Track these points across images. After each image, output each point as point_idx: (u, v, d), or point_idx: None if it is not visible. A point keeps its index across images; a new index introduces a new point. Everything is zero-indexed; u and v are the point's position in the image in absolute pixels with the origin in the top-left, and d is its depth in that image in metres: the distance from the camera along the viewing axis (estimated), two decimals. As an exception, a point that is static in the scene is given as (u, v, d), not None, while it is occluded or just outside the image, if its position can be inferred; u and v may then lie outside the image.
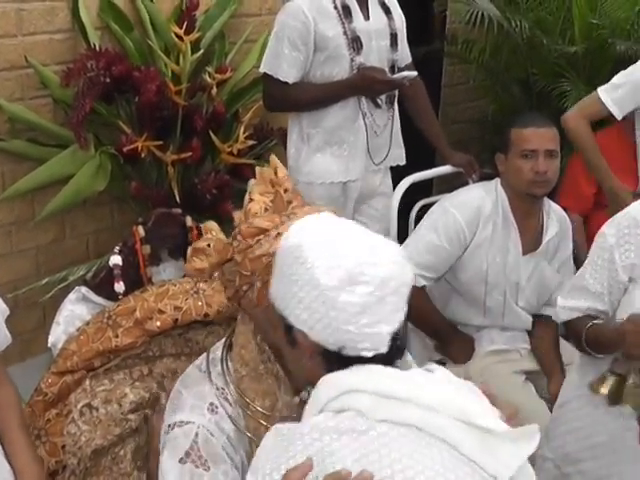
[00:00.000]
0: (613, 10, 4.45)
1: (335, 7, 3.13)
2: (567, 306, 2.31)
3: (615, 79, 3.43)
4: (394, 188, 3.49)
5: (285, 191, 1.65)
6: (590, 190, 3.93)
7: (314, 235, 1.45)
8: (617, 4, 4.45)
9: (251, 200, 1.64)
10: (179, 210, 2.36)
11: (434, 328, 3.12)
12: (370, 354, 1.40)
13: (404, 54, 3.42)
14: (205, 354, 1.80)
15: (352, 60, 3.16)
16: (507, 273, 3.03)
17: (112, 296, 2.21)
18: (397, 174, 3.51)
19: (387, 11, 3.25)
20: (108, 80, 3.36)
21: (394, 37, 3.26)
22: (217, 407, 1.67)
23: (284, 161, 3.78)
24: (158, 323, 1.99)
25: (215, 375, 1.71)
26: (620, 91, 3.38)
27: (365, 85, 3.16)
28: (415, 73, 3.24)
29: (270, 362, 1.68)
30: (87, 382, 1.91)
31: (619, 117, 3.42)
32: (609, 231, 2.24)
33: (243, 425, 1.67)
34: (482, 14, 4.58)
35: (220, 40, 3.94)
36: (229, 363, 1.72)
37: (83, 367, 1.99)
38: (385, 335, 1.40)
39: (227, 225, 3.57)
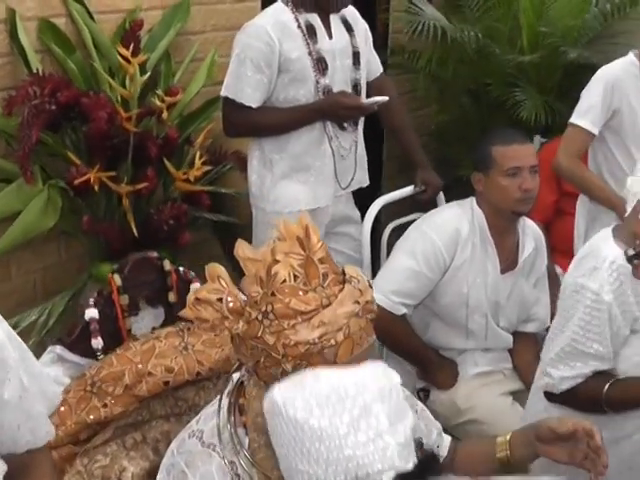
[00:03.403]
0: (560, 18, 4.41)
1: (299, 27, 2.99)
2: (567, 376, 2.13)
3: (580, 102, 3.38)
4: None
5: (321, 261, 1.49)
6: (551, 198, 3.91)
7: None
8: (564, 12, 4.42)
9: (276, 262, 1.48)
10: (155, 253, 2.18)
11: (416, 355, 3.01)
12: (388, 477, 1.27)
13: (373, 67, 3.31)
14: (199, 420, 1.65)
15: (317, 82, 3.03)
16: (487, 294, 2.95)
17: (89, 353, 2.03)
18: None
19: (349, 28, 3.12)
20: (54, 107, 3.14)
21: (356, 55, 3.14)
22: None
23: (241, 186, 3.63)
24: (148, 387, 1.83)
25: (221, 447, 1.56)
26: (592, 110, 3.32)
27: (334, 111, 3.03)
28: (386, 98, 3.11)
29: None
30: (78, 461, 1.75)
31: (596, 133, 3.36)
32: (595, 286, 2.07)
33: None
34: (428, 24, 4.49)
35: (166, 60, 3.75)
36: (238, 430, 1.57)
37: (69, 441, 1.81)
38: (394, 447, 1.28)
39: (182, 254, 3.47)
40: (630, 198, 2.09)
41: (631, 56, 3.36)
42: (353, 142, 3.18)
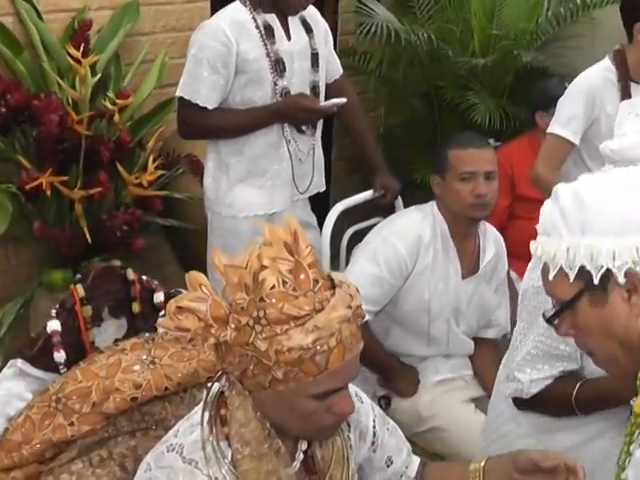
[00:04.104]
0: (513, 21, 4.42)
1: (257, 27, 2.92)
2: (536, 378, 2.07)
3: (559, 111, 3.36)
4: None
5: (310, 266, 1.45)
6: (505, 202, 3.91)
7: None
8: (516, 15, 4.43)
9: (263, 267, 1.43)
10: (118, 262, 2.10)
11: (377, 362, 2.97)
12: None
13: (333, 69, 3.26)
14: (177, 433, 1.58)
15: (275, 84, 2.96)
16: (449, 299, 2.93)
17: (51, 366, 1.93)
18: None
19: (308, 29, 3.06)
20: (4, 110, 3.05)
21: (315, 57, 3.08)
22: None
23: (194, 190, 3.56)
24: (116, 405, 1.76)
25: (205, 462, 1.51)
26: (574, 120, 3.29)
27: (292, 113, 2.97)
28: (344, 100, 3.06)
29: (271, 438, 1.52)
30: (42, 480, 1.66)
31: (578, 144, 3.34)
32: None
33: None
34: (379, 25, 4.46)
35: (115, 62, 3.66)
36: (220, 443, 1.52)
37: (34, 460, 1.73)
38: None
39: (136, 261, 3.39)
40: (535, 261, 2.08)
41: (607, 61, 3.34)
42: (311, 145, 3.12)
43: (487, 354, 3.07)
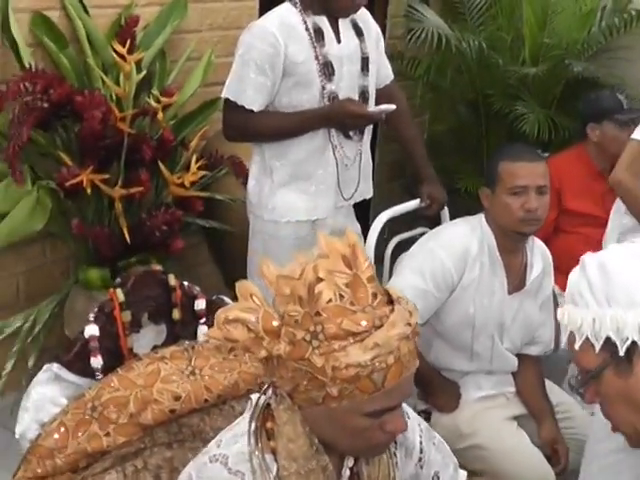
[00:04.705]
0: (564, 30, 4.32)
1: (307, 29, 2.86)
2: None
3: None
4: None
5: (369, 281, 1.39)
6: (551, 215, 3.80)
7: None
8: (568, 23, 4.34)
9: (319, 280, 1.38)
10: (159, 267, 2.05)
11: (419, 376, 2.83)
12: None
13: (383, 74, 3.18)
14: (220, 444, 1.53)
15: (323, 87, 2.89)
16: (493, 315, 2.85)
17: (87, 372, 1.90)
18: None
19: (359, 33, 2.99)
20: (46, 105, 3.00)
21: (365, 61, 3.00)
22: None
23: (235, 192, 3.50)
24: (154, 416, 1.71)
25: (250, 475, 1.47)
26: None
27: (340, 118, 2.90)
28: (393, 106, 2.98)
29: (319, 454, 1.48)
30: (76, 492, 1.61)
31: None
32: None
33: None
34: (429, 30, 4.39)
35: (161, 59, 3.62)
36: (266, 456, 1.48)
37: (67, 469, 1.68)
38: None
39: (172, 262, 3.33)
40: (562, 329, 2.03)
41: None
42: (358, 151, 3.05)
43: (530, 371, 2.99)
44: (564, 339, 1.95)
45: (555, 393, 3.00)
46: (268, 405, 1.52)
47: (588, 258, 1.47)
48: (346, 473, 1.57)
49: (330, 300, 1.37)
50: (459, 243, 2.79)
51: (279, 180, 2.97)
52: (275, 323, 1.40)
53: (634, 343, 1.39)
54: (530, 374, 2.99)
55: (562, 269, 3.25)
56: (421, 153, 3.29)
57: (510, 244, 2.83)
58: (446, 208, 3.42)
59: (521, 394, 3.00)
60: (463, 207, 3.47)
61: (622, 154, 3.31)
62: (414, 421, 1.76)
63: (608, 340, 1.42)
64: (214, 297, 2.15)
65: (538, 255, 2.94)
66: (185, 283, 2.07)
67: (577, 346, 1.47)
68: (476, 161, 4.69)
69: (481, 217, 2.87)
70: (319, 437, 1.47)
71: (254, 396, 1.67)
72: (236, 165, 3.49)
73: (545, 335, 3.03)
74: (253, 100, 2.86)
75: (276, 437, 1.47)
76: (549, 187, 2.79)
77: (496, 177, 2.77)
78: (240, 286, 1.46)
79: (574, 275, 1.49)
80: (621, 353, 1.40)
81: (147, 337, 2.02)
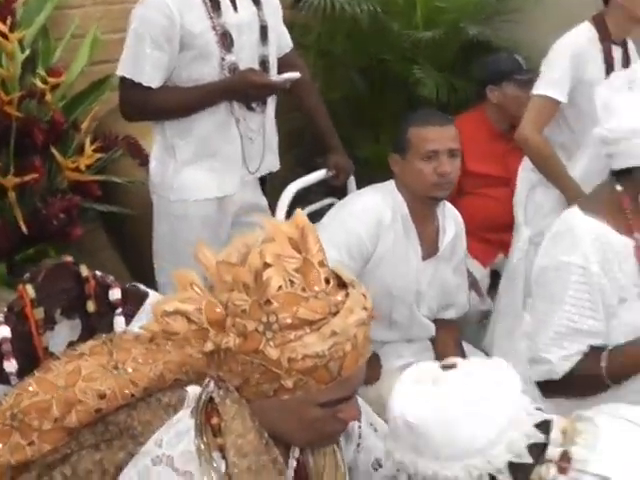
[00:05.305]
0: (456, -8, 4.30)
1: None
2: (565, 355, 2.04)
3: (544, 72, 3.29)
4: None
5: (320, 265, 1.32)
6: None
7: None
8: (459, -14, 4.31)
9: (267, 265, 1.29)
10: (70, 258, 1.92)
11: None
12: None
13: (283, 42, 3.10)
14: (161, 443, 1.44)
15: (222, 59, 2.79)
16: (410, 282, 2.83)
17: (2, 378, 1.77)
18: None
19: (256, 0, 2.88)
20: None
21: (264, 30, 2.91)
22: None
23: (132, 174, 3.37)
24: (79, 418, 1.60)
25: (200, 475, 1.39)
26: (560, 80, 3.23)
27: (242, 89, 2.81)
28: (298, 74, 2.91)
29: (270, 448, 1.41)
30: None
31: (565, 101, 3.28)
32: (580, 261, 2.01)
33: None
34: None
35: (44, 37, 3.44)
36: (213, 454, 1.40)
37: (-12, 484, 1.55)
38: None
39: (71, 251, 3.18)
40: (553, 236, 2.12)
41: (587, 24, 3.31)
42: (262, 123, 2.96)
43: (448, 335, 3.00)
44: (558, 247, 2.05)
45: (471, 354, 2.99)
46: (211, 399, 1.44)
47: (396, 405, 1.47)
48: (292, 464, 1.50)
49: (280, 287, 1.30)
50: (372, 212, 2.76)
51: (183, 158, 2.87)
52: (220, 313, 1.32)
53: None
54: (447, 337, 2.99)
55: (468, 231, 3.28)
56: (326, 122, 3.24)
57: (423, 210, 2.81)
58: (352, 177, 3.36)
59: (440, 359, 2.98)
60: (362, 176, 3.43)
61: (526, 112, 3.33)
62: None
63: None
64: (128, 285, 2.04)
65: (450, 219, 2.94)
66: (98, 273, 1.95)
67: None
68: (373, 128, 4.65)
69: (391, 184, 2.84)
70: (268, 430, 1.40)
71: (191, 389, 1.58)
72: (131, 145, 3.36)
73: (460, 298, 3.04)
74: (151, 76, 2.74)
75: (223, 433, 1.40)
76: (460, 150, 2.77)
77: (406, 143, 2.74)
78: (179, 275, 1.37)
79: (390, 416, 1.48)
80: None
81: (62, 334, 1.90)
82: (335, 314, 1.31)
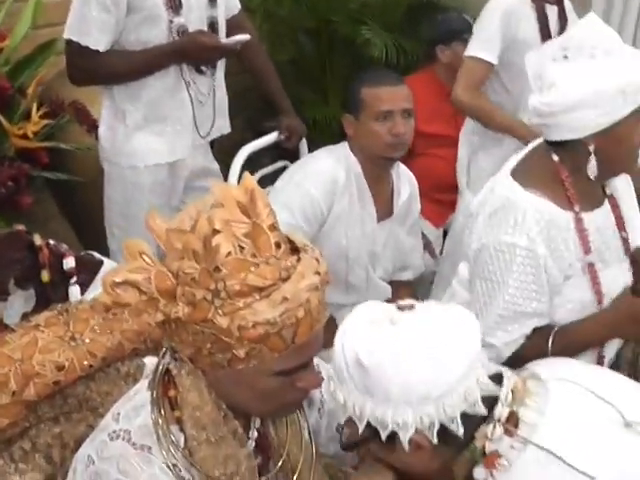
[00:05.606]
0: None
1: None
2: (509, 340, 1.98)
3: (476, 33, 3.27)
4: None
5: (271, 229, 1.29)
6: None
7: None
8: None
9: (215, 232, 1.26)
10: (22, 226, 1.88)
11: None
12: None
13: (231, 4, 3.05)
14: (118, 418, 1.42)
15: (170, 21, 2.73)
16: (365, 244, 2.84)
17: (-45, 354, 1.71)
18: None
19: (202, -41, 2.83)
20: None
21: (212, -10, 2.85)
22: None
23: (84, 140, 3.30)
24: (37, 390, 1.56)
25: (157, 449, 1.36)
26: (490, 40, 3.18)
27: (192, 52, 2.76)
28: (248, 36, 2.87)
29: (229, 420, 1.39)
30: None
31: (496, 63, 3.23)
32: (524, 241, 1.91)
33: None
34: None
35: (-17, 0, 3.34)
36: (171, 427, 1.38)
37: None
38: None
39: (20, 220, 3.12)
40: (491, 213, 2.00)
41: None
42: (212, 87, 2.92)
43: (404, 297, 2.98)
44: (502, 226, 1.95)
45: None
46: (167, 371, 1.41)
47: (347, 343, 1.44)
48: (254, 435, 1.48)
49: (229, 253, 1.26)
50: (326, 174, 2.75)
51: (133, 124, 2.82)
52: (170, 282, 1.29)
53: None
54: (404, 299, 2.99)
55: (419, 192, 3.29)
56: (276, 84, 3.22)
57: (377, 171, 2.81)
58: (304, 140, 3.34)
59: None
60: (311, 138, 3.41)
61: (458, 75, 3.28)
62: None
63: (369, 424, 1.41)
64: (82, 254, 2.01)
65: (404, 180, 2.94)
66: (51, 241, 1.91)
67: (342, 420, 1.47)
68: (321, 91, 4.62)
69: (345, 146, 2.83)
70: (226, 401, 1.38)
71: (148, 360, 1.56)
72: (79, 111, 3.29)
73: (415, 259, 3.06)
74: (98, 40, 2.68)
75: (180, 406, 1.37)
76: (413, 110, 2.75)
77: (360, 104, 2.73)
78: (128, 244, 1.33)
79: (337, 353, 1.46)
80: (383, 439, 1.39)
81: (15, 305, 1.86)
82: (286, 279, 1.28)
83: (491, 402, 1.42)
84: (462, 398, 1.37)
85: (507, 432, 1.39)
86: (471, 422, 1.40)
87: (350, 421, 1.43)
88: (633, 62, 1.89)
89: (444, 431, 1.39)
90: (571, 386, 1.48)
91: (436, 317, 1.44)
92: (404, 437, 1.38)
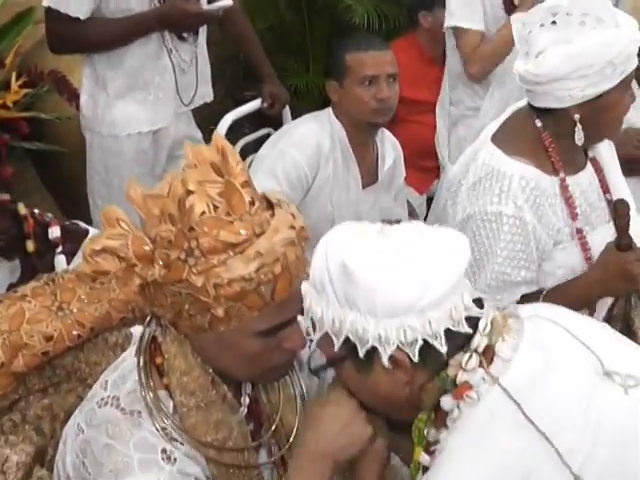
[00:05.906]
0: None
1: None
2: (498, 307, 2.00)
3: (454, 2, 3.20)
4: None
5: (243, 186, 1.27)
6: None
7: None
8: None
9: (189, 193, 1.24)
10: (6, 196, 1.86)
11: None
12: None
13: None
14: (106, 386, 1.42)
15: None
16: (351, 210, 2.83)
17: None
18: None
19: None
20: None
21: (193, -43, 2.82)
22: (172, 451, 1.33)
23: (65, 110, 3.26)
24: (25, 361, 1.54)
25: (147, 414, 1.35)
26: (469, 5, 3.14)
27: (174, 19, 2.74)
28: (230, 2, 2.84)
29: (217, 384, 1.38)
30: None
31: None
32: (511, 210, 1.90)
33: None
34: None
35: (-41, -33, 3.28)
36: (159, 393, 1.37)
37: None
38: None
39: (3, 191, 3.09)
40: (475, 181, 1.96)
41: None
42: (194, 54, 2.90)
43: None
44: (490, 196, 1.91)
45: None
46: (154, 338, 1.40)
47: (331, 252, 1.32)
48: (245, 401, 1.46)
49: (203, 212, 1.24)
50: (310, 140, 2.74)
51: (115, 92, 2.80)
52: (147, 247, 1.27)
53: (374, 347, 1.31)
54: None
55: (404, 158, 3.28)
56: (258, 51, 3.21)
57: (362, 137, 2.81)
58: (287, 107, 3.32)
59: None
60: (293, 105, 3.40)
61: (460, 51, 3.25)
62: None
63: (348, 339, 1.32)
64: (67, 222, 1.99)
65: (389, 147, 2.94)
66: (36, 211, 1.89)
67: (315, 337, 1.36)
68: (301, 58, 4.60)
69: (329, 112, 2.82)
70: (213, 367, 1.36)
71: (135, 330, 1.55)
72: (59, 80, 3.24)
73: (400, 225, 3.03)
74: (78, 7, 2.65)
75: (167, 372, 1.36)
76: (398, 75, 2.74)
77: (344, 69, 2.71)
78: (105, 212, 1.31)
79: (318, 262, 1.33)
80: (360, 355, 1.31)
81: (1, 276, 1.84)
82: (260, 235, 1.25)
83: (472, 328, 1.35)
84: (447, 314, 1.30)
85: (481, 365, 1.34)
86: (451, 345, 1.33)
87: (325, 339, 1.35)
88: (624, 30, 1.85)
89: (425, 350, 1.31)
90: (551, 325, 1.42)
91: (426, 231, 1.36)
92: (385, 352, 1.30)
